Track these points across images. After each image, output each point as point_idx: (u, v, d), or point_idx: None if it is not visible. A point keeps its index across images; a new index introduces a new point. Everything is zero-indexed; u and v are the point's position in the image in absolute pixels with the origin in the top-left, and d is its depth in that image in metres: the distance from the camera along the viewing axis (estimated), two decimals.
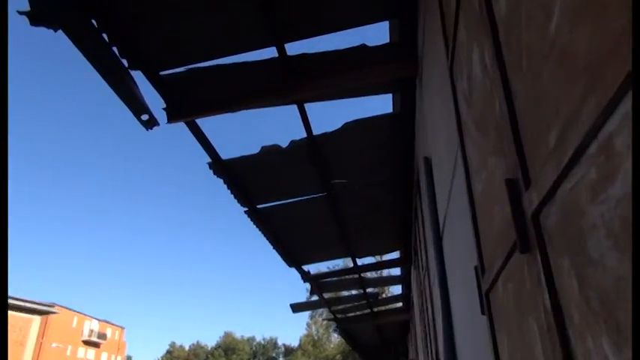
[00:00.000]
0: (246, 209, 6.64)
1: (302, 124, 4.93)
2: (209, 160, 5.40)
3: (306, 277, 9.54)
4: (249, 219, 6.88)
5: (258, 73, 4.24)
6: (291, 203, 6.73)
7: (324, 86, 4.22)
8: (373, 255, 9.76)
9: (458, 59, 1.88)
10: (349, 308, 13.73)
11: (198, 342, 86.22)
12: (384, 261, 10.54)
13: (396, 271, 18.19)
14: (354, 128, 5.27)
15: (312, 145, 5.33)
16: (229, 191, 6.16)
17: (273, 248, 8.09)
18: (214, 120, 5.55)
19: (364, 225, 7.87)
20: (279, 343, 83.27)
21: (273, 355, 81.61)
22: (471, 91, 1.63)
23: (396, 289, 25.36)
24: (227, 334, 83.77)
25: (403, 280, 11.35)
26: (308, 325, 67.76)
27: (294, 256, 8.58)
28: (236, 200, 6.42)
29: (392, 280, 13.00)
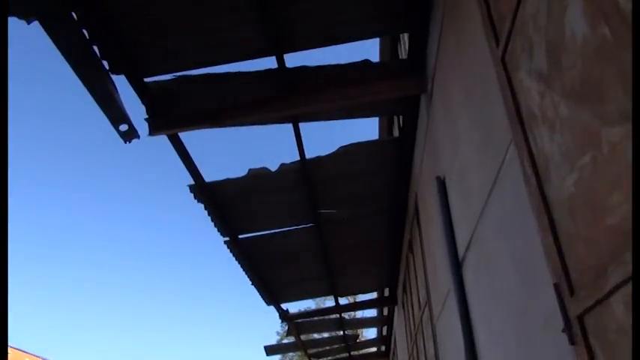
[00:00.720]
0: (226, 239, 6.15)
1: (295, 144, 4.60)
2: (191, 182, 4.97)
3: (284, 316, 8.95)
4: (228, 250, 6.38)
5: (253, 85, 3.91)
6: (275, 234, 6.28)
7: (324, 102, 3.92)
8: (356, 293, 9.27)
9: (522, 38, 1.58)
10: (325, 352, 13.03)
11: None
12: (367, 300, 10.04)
13: (371, 313, 17.63)
14: (348, 152, 4.96)
15: (303, 170, 4.98)
16: (210, 218, 5.70)
17: (252, 284, 7.54)
18: (200, 140, 5.14)
19: (349, 260, 7.45)
20: None
21: None
22: (558, 62, 1.32)
23: (369, 333, 24.60)
24: None
25: (385, 321, 10.83)
26: None
27: (273, 293, 8.03)
28: (216, 229, 5.95)
29: (371, 322, 12.45)
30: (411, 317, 6.31)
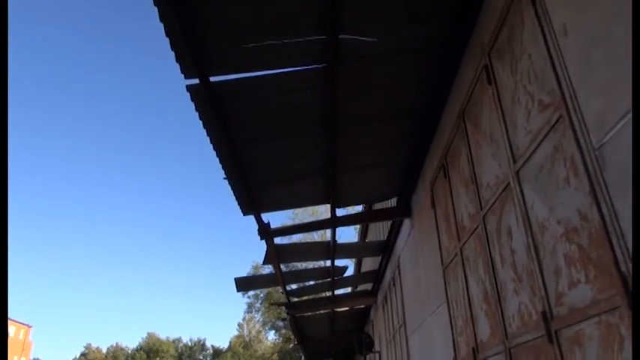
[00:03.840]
0: (192, 82, 3.99)
1: None
2: None
3: (264, 230, 6.91)
4: (193, 102, 4.23)
5: None
6: (266, 79, 4.17)
7: None
8: (360, 202, 7.33)
9: None
10: (306, 289, 11.24)
11: (117, 343, 79.82)
12: (380, 209, 8.09)
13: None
14: None
15: None
16: (166, 33, 3.52)
17: (225, 175, 5.42)
18: None
19: (362, 144, 5.44)
20: (208, 344, 78.84)
21: (201, 357, 77.14)
22: None
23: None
24: (150, 335, 78.07)
25: (384, 247, 9.01)
26: (239, 325, 64.40)
27: (252, 193, 5.92)
28: (177, 61, 3.78)
29: (369, 249, 10.61)
30: (459, 208, 4.41)
